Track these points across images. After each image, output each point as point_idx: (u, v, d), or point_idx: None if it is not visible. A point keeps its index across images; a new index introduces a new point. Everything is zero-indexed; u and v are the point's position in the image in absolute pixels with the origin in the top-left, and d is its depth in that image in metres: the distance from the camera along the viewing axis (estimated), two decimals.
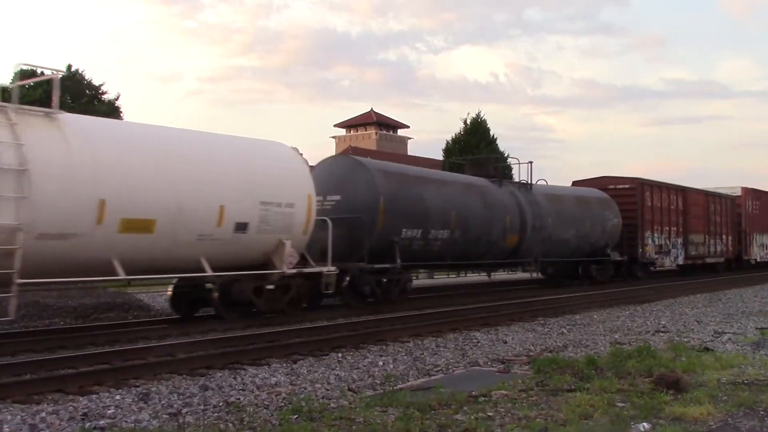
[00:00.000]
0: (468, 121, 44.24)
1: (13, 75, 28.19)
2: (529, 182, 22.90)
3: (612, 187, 27.62)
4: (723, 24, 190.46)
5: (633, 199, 27.08)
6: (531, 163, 22.93)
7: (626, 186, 27.77)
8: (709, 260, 32.56)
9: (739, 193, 36.42)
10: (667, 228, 28.70)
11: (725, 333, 12.79)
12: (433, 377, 8.78)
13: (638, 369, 8.54)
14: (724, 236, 33.87)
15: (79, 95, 35.63)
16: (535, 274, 25.28)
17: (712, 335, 12.55)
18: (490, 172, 22.65)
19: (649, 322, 14.79)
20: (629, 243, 26.49)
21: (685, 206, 30.18)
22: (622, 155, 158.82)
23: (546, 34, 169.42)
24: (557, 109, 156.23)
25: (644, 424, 6.11)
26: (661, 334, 12.78)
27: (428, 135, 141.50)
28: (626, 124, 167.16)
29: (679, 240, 29.67)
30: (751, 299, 20.87)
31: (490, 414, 6.58)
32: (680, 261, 29.98)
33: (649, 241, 27.36)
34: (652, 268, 28.45)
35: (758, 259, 37.84)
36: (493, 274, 24.75)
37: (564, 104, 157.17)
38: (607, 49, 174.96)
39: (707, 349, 10.51)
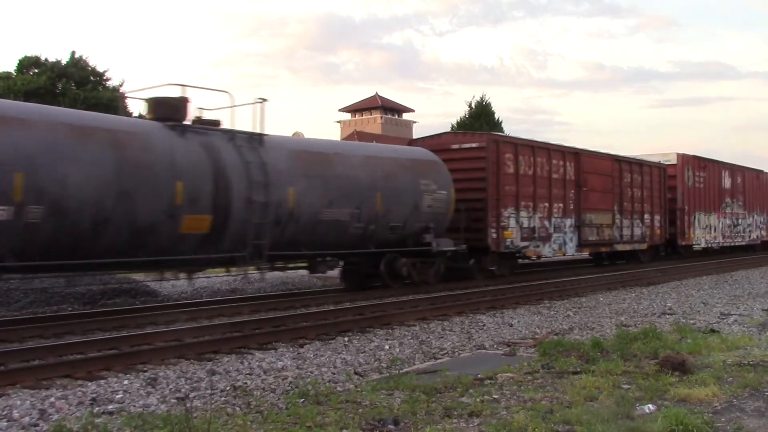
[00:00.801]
0: (473, 105, 44.20)
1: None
2: (260, 132, 13.96)
3: (456, 147, 19.45)
4: (731, 3, 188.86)
5: (482, 164, 18.80)
6: (264, 101, 13.91)
7: (473, 145, 19.29)
8: (620, 247, 24.36)
9: (673, 161, 28.21)
10: (546, 204, 20.49)
11: (731, 315, 12.78)
12: (439, 360, 8.82)
13: (644, 351, 8.56)
14: (647, 216, 25.78)
15: (83, 81, 35.57)
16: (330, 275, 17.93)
17: (718, 317, 12.55)
18: (179, 115, 13.09)
19: (655, 305, 14.79)
20: (475, 226, 18.64)
21: (579, 175, 21.82)
22: (628, 138, 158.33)
23: (551, 16, 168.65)
24: (563, 92, 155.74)
25: (649, 405, 6.13)
26: (667, 316, 12.79)
27: (433, 118, 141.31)
28: (632, 107, 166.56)
29: (569, 221, 21.43)
30: (758, 281, 20.84)
31: (495, 396, 6.62)
32: (571, 249, 21.98)
33: (511, 222, 19.23)
34: (523, 260, 21.07)
35: (704, 245, 30.10)
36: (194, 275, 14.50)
37: (569, 87, 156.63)
38: (613, 31, 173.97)
39: (713, 331, 10.51)
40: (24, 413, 6.24)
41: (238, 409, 6.38)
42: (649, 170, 26.17)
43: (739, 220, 33.91)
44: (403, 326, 11.64)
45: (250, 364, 8.56)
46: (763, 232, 36.55)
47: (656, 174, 26.67)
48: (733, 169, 33.62)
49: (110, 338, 9.96)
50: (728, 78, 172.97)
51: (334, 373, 8.04)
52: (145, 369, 8.29)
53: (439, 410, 6.13)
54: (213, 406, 6.42)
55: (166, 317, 12.27)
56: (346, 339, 10.38)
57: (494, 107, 43.88)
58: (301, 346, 9.82)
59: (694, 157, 29.76)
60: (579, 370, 7.66)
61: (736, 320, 12.01)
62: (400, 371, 7.89)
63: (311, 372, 8.09)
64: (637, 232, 25.18)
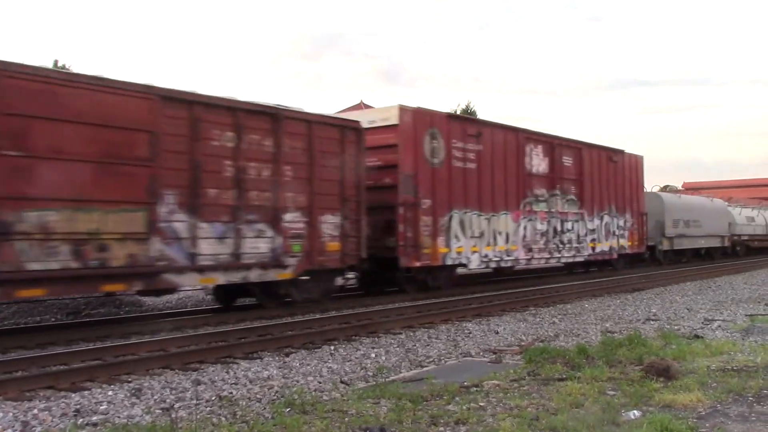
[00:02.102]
0: (458, 112, 44.22)
1: None
2: None
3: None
4: (714, 10, 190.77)
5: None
6: None
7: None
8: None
9: (394, 120, 16.59)
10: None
11: (715, 320, 12.86)
12: (425, 368, 8.81)
13: (629, 357, 8.59)
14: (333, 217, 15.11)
15: None
16: None
17: (702, 323, 12.63)
18: None
19: (639, 311, 14.86)
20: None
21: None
22: (615, 144, 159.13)
23: (536, 22, 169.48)
24: (549, 98, 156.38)
25: (634, 411, 6.16)
26: (652, 322, 12.85)
27: None
28: (618, 113, 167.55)
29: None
30: (741, 286, 20.99)
31: (481, 404, 6.62)
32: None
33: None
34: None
35: (476, 265, 18.89)
36: None
37: (554, 94, 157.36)
38: (598, 37, 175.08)
39: (697, 337, 10.57)
40: (6, 425, 6.18)
41: (223, 419, 6.35)
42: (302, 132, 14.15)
43: (568, 225, 22.15)
44: (389, 334, 11.63)
45: (235, 373, 8.52)
46: (624, 242, 25.43)
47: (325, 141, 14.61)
48: (556, 143, 21.76)
49: (94, 349, 9.88)
50: (712, 84, 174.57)
51: (320, 382, 8.01)
52: (130, 379, 8.23)
53: (426, 418, 6.12)
54: (198, 417, 6.39)
55: (150, 327, 12.20)
56: (332, 348, 10.36)
57: (480, 114, 43.92)
58: (287, 355, 9.79)
59: (450, 116, 18.54)
60: (565, 376, 7.69)
61: (719, 326, 12.09)
62: (387, 379, 7.89)
63: (297, 381, 8.07)
64: (255, 247, 13.15)
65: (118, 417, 6.51)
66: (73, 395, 7.36)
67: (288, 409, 6.54)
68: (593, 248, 23.47)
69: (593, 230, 23.50)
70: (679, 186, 57.80)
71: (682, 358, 8.59)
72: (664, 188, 44.04)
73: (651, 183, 40.65)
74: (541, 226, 20.91)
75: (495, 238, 19.01)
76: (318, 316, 13.73)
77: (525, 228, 20.15)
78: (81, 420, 6.36)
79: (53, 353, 9.53)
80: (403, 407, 6.45)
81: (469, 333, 11.79)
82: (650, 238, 28.38)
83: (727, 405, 6.43)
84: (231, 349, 9.93)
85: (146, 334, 11.65)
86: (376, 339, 11.18)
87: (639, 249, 26.87)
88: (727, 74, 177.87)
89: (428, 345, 10.60)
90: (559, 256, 21.86)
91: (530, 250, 20.34)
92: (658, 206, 29.71)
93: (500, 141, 19.39)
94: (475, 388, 7.29)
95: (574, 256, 22.66)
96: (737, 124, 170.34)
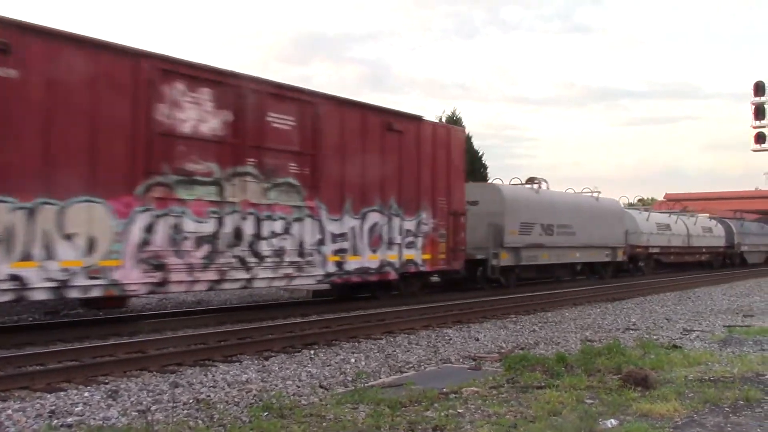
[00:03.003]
0: (443, 119, 44.33)
1: None
2: None
3: None
4: (698, 24, 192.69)
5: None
6: None
7: None
8: None
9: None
10: None
11: (693, 331, 12.95)
12: (404, 374, 8.80)
13: (607, 366, 8.62)
14: None
15: None
16: None
17: (681, 333, 12.71)
18: None
19: (619, 320, 14.94)
20: None
21: None
22: (597, 154, 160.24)
23: (523, 33, 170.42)
24: (533, 108, 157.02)
25: (612, 420, 6.18)
26: (631, 332, 12.92)
27: None
28: (601, 124, 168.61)
29: None
30: (720, 297, 21.16)
31: (460, 411, 6.62)
32: None
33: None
34: None
35: None
36: None
37: (539, 103, 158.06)
38: (583, 49, 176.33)
39: (675, 347, 10.64)
40: None
41: (200, 422, 6.30)
42: None
43: (276, 226, 14.04)
44: (369, 339, 11.61)
45: (214, 376, 8.47)
46: (415, 254, 17.36)
47: None
48: (248, 89, 13.45)
49: (71, 349, 9.78)
50: (694, 98, 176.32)
51: (298, 387, 7.98)
52: (107, 381, 8.15)
53: (404, 424, 6.11)
54: (175, 419, 6.34)
55: (129, 328, 12.12)
56: (312, 352, 10.33)
57: (465, 122, 43.96)
58: (267, 358, 9.75)
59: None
60: (543, 384, 7.70)
61: (698, 336, 12.18)
62: (366, 385, 7.87)
63: (276, 385, 8.03)
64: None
65: (94, 419, 6.44)
66: (49, 396, 7.28)
67: (266, 413, 6.51)
68: (339, 263, 15.31)
69: (340, 235, 15.35)
70: (661, 198, 58.24)
71: (661, 368, 8.64)
72: (640, 201, 43.30)
73: (633, 194, 39.11)
74: (199, 226, 12.54)
75: (50, 247, 10.51)
76: (299, 320, 13.70)
77: (151, 228, 11.79)
78: (56, 421, 6.29)
79: (30, 353, 9.42)
80: (381, 413, 6.43)
81: (450, 339, 11.79)
82: (480, 249, 20.76)
83: (704, 415, 6.47)
84: (210, 352, 9.87)
85: (125, 335, 11.58)
86: (356, 344, 11.15)
87: (449, 265, 18.59)
88: (710, 88, 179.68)
89: (408, 351, 10.60)
90: (248, 276, 13.36)
91: (161, 267, 11.91)
92: (495, 203, 21.70)
93: (80, 71, 10.93)
94: (453, 395, 7.29)
95: (287, 276, 14.21)
96: (719, 137, 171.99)
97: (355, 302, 16.62)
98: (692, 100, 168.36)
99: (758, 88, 31.61)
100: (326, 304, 16.66)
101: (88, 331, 11.61)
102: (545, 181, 25.19)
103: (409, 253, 17.06)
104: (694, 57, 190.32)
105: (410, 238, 17.16)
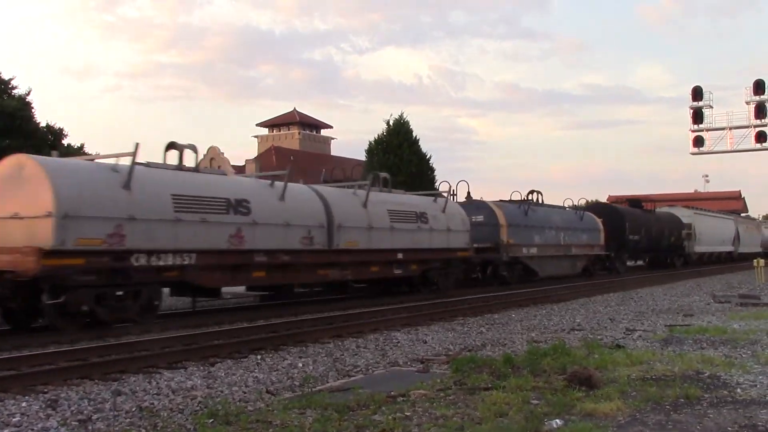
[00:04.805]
0: (391, 122, 44.39)
1: None
2: None
3: None
4: (639, 31, 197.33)
5: None
6: None
7: None
8: None
9: None
10: None
11: (636, 330, 13.21)
12: (352, 378, 8.76)
13: (553, 367, 8.73)
14: None
15: None
16: None
17: (624, 332, 12.95)
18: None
19: (564, 321, 15.15)
20: None
21: None
22: (543, 157, 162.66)
23: (470, 38, 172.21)
24: (480, 112, 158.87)
25: (557, 420, 6.25)
26: (576, 332, 13.11)
27: (353, 135, 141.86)
28: (547, 128, 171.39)
29: None
30: (662, 297, 21.65)
31: (407, 414, 6.61)
32: None
33: None
34: None
35: None
36: None
37: (486, 107, 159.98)
38: (528, 54, 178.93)
39: (619, 346, 10.83)
40: None
41: (143, 430, 6.17)
42: None
43: None
44: (317, 344, 11.54)
45: (158, 383, 8.31)
46: None
47: None
48: None
49: (8, 358, 9.48)
50: (635, 102, 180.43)
51: (245, 392, 7.88)
52: (46, 390, 7.92)
53: (351, 428, 6.08)
54: (117, 428, 6.20)
55: (70, 336, 11.81)
56: (259, 357, 10.22)
57: (413, 125, 43.97)
58: (212, 364, 9.61)
59: None
60: (490, 386, 7.75)
61: (640, 336, 12.42)
62: (313, 389, 7.81)
63: (222, 391, 7.91)
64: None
65: (32, 429, 6.26)
66: None
67: (211, 420, 6.40)
68: None
69: None
70: (604, 199, 59.29)
71: (605, 368, 8.77)
72: (587, 203, 43.72)
73: (578, 196, 39.26)
74: None
75: None
76: (245, 324, 13.54)
77: None
78: None
79: None
80: (328, 417, 6.39)
81: (398, 342, 11.79)
82: None
83: (646, 413, 6.59)
84: (154, 359, 9.68)
85: (65, 343, 11.28)
86: (304, 348, 11.07)
87: None
88: (650, 93, 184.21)
89: (356, 354, 10.56)
90: None
91: None
92: None
93: None
94: (401, 398, 7.28)
95: None
96: (660, 141, 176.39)
97: (303, 306, 16.51)
98: (634, 105, 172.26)
99: (696, 93, 32.63)
100: (274, 308, 16.51)
101: (26, 340, 11.28)
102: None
103: None
104: (635, 63, 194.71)
105: None
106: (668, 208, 45.93)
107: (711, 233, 47.03)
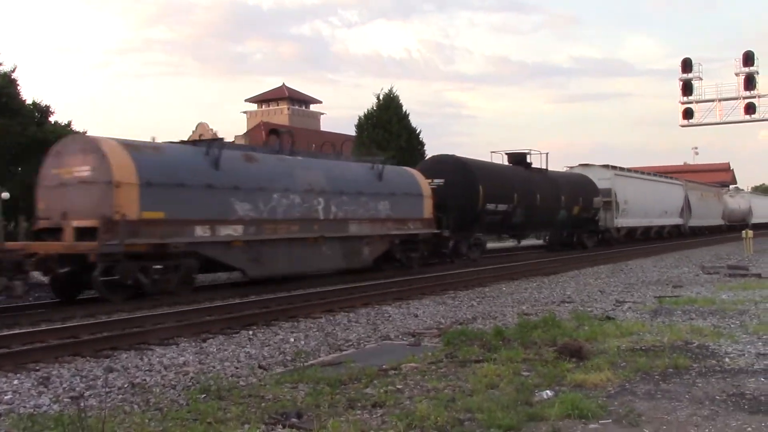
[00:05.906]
0: (381, 97, 44.24)
1: None
2: None
3: None
4: (630, 3, 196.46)
5: None
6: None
7: None
8: None
9: None
10: None
11: (626, 302, 13.30)
12: (344, 352, 8.80)
13: (543, 339, 8.79)
14: None
15: None
16: None
17: (614, 304, 13.04)
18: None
19: (555, 293, 15.24)
20: None
21: None
22: (533, 131, 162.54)
23: (459, 10, 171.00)
24: (470, 86, 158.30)
25: (547, 391, 6.30)
26: (566, 305, 13.19)
27: (342, 110, 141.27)
28: (537, 101, 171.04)
29: None
30: (651, 269, 21.78)
31: (399, 387, 6.65)
32: None
33: None
34: None
35: None
36: None
37: (476, 81, 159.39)
38: (519, 27, 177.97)
39: (609, 318, 10.91)
40: None
41: (136, 406, 6.19)
42: None
43: None
44: (309, 318, 11.57)
45: (150, 360, 8.33)
46: None
47: None
48: None
49: (0, 336, 9.48)
50: (626, 75, 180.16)
51: (237, 368, 7.91)
52: (38, 368, 7.93)
53: (343, 402, 6.11)
54: (109, 405, 6.21)
55: (61, 314, 11.81)
56: (251, 332, 10.24)
57: (403, 100, 43.85)
58: (204, 340, 9.63)
59: None
60: (481, 358, 7.80)
61: (630, 307, 12.51)
62: (305, 364, 7.84)
63: (214, 367, 7.94)
64: None
65: (24, 407, 6.26)
66: None
67: (203, 396, 6.43)
68: None
69: None
70: None
71: (594, 339, 8.84)
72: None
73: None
74: None
75: None
76: (237, 300, 13.56)
77: None
78: None
79: None
80: (321, 391, 6.42)
81: (389, 317, 11.84)
82: None
83: (635, 383, 6.65)
84: (146, 335, 9.69)
85: (57, 321, 11.28)
86: (295, 323, 11.10)
87: None
88: (640, 65, 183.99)
89: (348, 329, 10.60)
90: None
91: None
92: None
93: None
94: (393, 371, 7.33)
95: None
96: (649, 114, 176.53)
97: (295, 282, 16.51)
98: (624, 78, 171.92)
99: (686, 65, 32.55)
100: (265, 284, 16.50)
101: (18, 318, 11.26)
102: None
103: None
104: (625, 35, 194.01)
105: None
106: (581, 168, 35.33)
107: (643, 202, 37.17)
